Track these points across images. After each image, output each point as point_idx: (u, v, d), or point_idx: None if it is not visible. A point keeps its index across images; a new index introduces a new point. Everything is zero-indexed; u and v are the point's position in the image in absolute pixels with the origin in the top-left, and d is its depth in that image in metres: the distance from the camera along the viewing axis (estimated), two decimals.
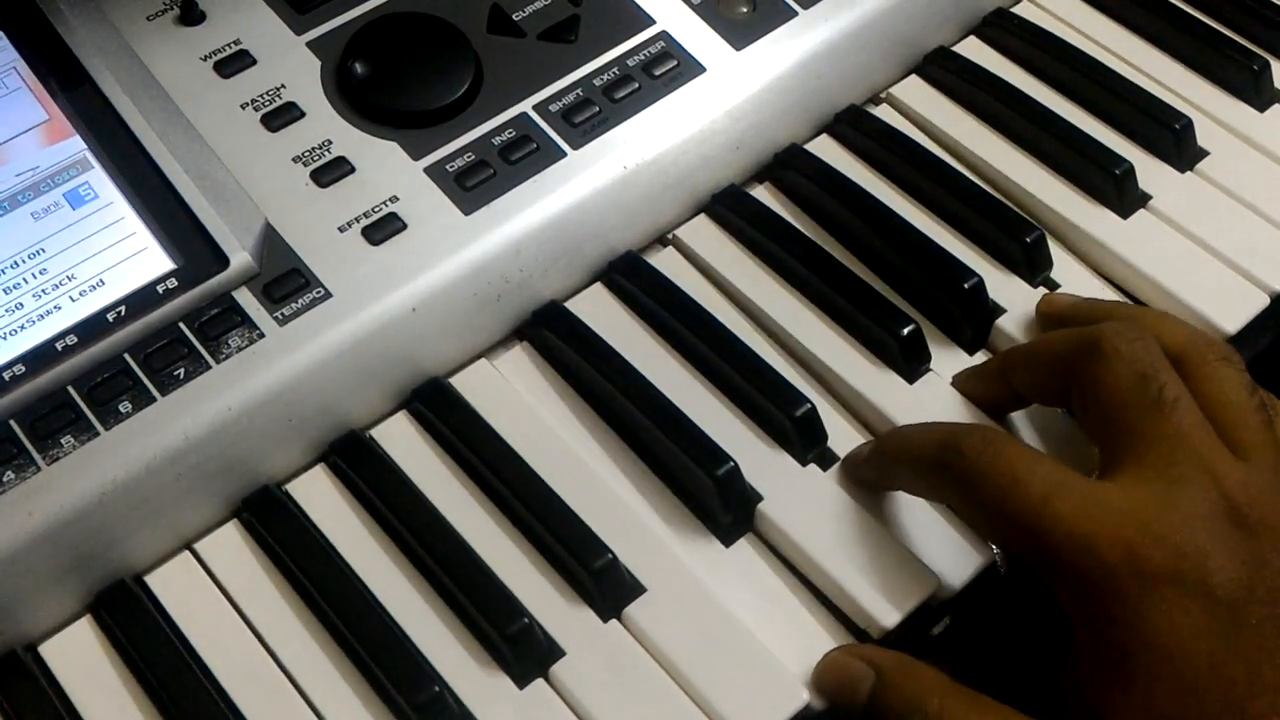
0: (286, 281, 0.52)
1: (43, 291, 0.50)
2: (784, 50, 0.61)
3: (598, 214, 0.57)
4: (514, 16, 0.60)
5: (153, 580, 0.50)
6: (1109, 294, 0.58)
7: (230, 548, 0.51)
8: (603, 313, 0.56)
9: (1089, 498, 0.43)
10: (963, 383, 0.54)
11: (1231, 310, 0.57)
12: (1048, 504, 0.43)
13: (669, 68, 0.59)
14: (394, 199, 0.54)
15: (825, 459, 0.53)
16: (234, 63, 0.57)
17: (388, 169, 0.55)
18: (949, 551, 0.50)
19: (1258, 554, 0.42)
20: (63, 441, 0.48)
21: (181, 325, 0.51)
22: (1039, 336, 0.52)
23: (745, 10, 0.62)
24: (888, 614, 0.48)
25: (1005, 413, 0.53)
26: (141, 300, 0.51)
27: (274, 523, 0.50)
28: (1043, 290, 0.57)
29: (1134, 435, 0.45)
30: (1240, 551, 0.42)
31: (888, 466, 0.50)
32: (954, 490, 0.47)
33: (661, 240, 0.59)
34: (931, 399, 0.54)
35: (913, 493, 0.50)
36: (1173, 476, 0.43)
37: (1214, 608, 0.41)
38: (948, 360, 0.55)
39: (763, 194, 0.61)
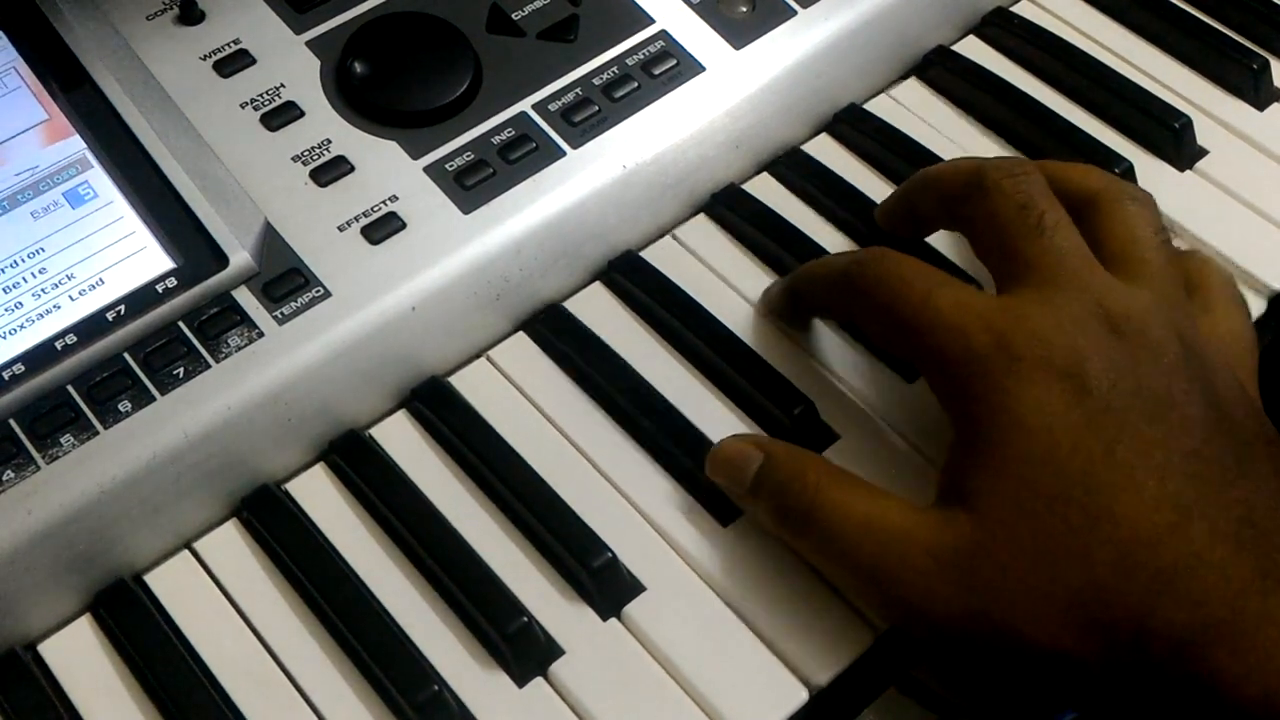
0: (286, 281, 0.52)
1: (42, 291, 0.51)
2: (783, 49, 0.61)
3: (597, 213, 0.57)
4: (513, 16, 0.60)
5: (152, 579, 0.50)
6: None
7: (230, 547, 0.51)
8: (602, 312, 0.56)
9: (967, 294, 0.47)
10: (880, 207, 0.57)
11: None
12: (929, 298, 0.47)
13: (668, 67, 0.59)
14: (393, 198, 0.55)
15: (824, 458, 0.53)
16: (233, 62, 0.57)
17: (387, 168, 0.55)
18: None
19: (1128, 356, 0.44)
20: (62, 441, 0.48)
21: (181, 324, 0.51)
22: (935, 167, 0.54)
23: (745, 9, 0.62)
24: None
25: (920, 237, 0.57)
26: (141, 299, 0.51)
27: (273, 522, 0.50)
28: None
29: (1016, 260, 0.47)
30: (1111, 351, 0.44)
31: (800, 295, 0.54)
32: (854, 302, 0.50)
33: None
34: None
35: (820, 316, 0.55)
36: (1051, 289, 0.46)
37: (1078, 392, 0.43)
38: None
39: (762, 186, 0.61)
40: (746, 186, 0.61)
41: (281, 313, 0.51)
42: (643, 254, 0.58)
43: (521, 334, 0.56)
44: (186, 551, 0.51)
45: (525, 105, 0.57)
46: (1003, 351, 0.44)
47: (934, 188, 0.53)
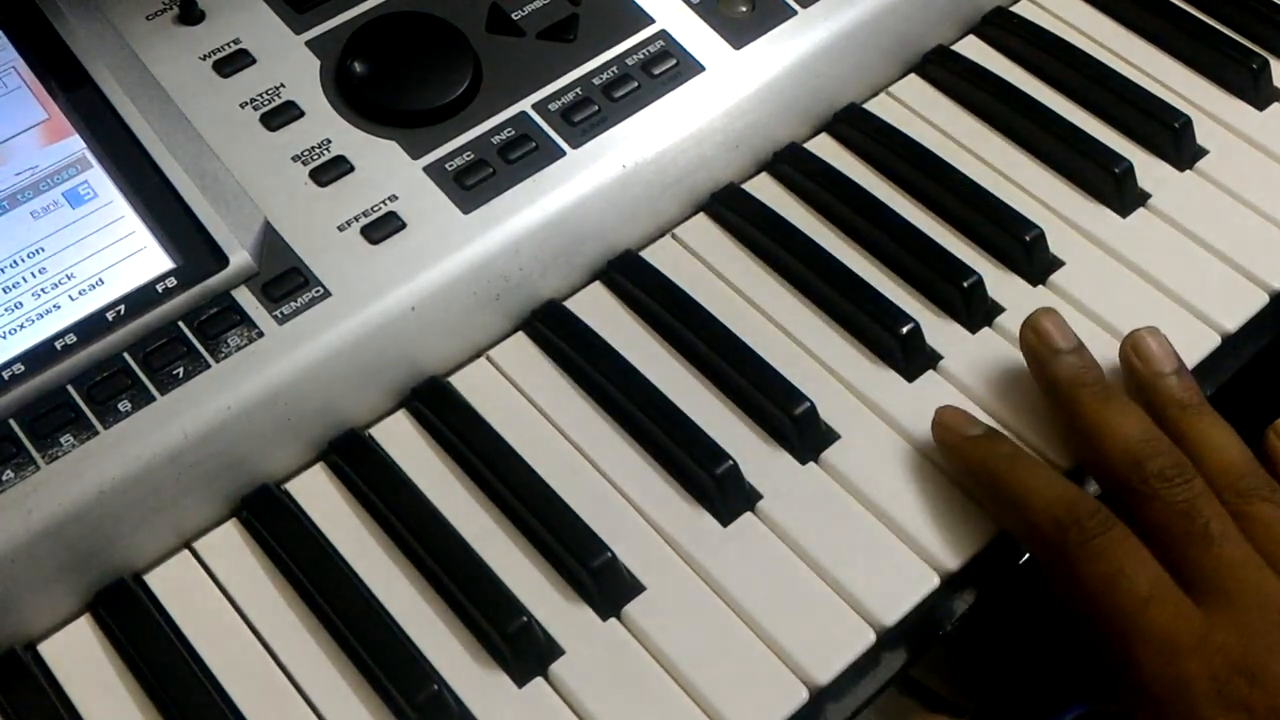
0: (286, 280, 0.52)
1: (42, 290, 0.51)
2: (783, 49, 0.61)
3: (597, 213, 0.57)
4: (513, 15, 0.60)
5: (152, 579, 0.50)
6: (1108, 293, 0.57)
7: (229, 546, 0.51)
8: (602, 312, 0.56)
9: (1182, 611, 0.46)
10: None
11: (1231, 309, 0.57)
12: (1147, 606, 0.45)
13: (668, 67, 0.59)
14: (393, 198, 0.55)
15: (823, 458, 0.53)
16: (233, 62, 0.57)
17: (387, 168, 0.55)
18: (947, 536, 0.50)
19: None
20: (62, 440, 0.48)
21: (181, 324, 0.51)
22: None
23: (745, 9, 0.62)
24: (889, 611, 0.49)
25: None
26: (141, 299, 0.51)
27: (273, 521, 0.50)
28: (1042, 290, 0.57)
29: (1188, 567, 0.47)
30: None
31: (995, 489, 0.50)
32: (1052, 555, 0.48)
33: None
34: (931, 397, 0.54)
35: (990, 508, 0.51)
36: (1236, 611, 0.45)
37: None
38: (952, 342, 0.56)
39: (761, 186, 0.61)
40: (746, 186, 0.61)
41: (281, 312, 0.51)
42: (643, 254, 0.58)
43: (521, 334, 0.56)
44: (186, 551, 0.51)
45: (525, 105, 0.57)
46: (1213, 687, 0.44)
47: (1089, 449, 0.51)
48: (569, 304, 0.57)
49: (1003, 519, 0.50)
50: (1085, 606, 0.47)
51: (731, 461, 0.51)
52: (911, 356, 0.55)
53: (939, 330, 0.56)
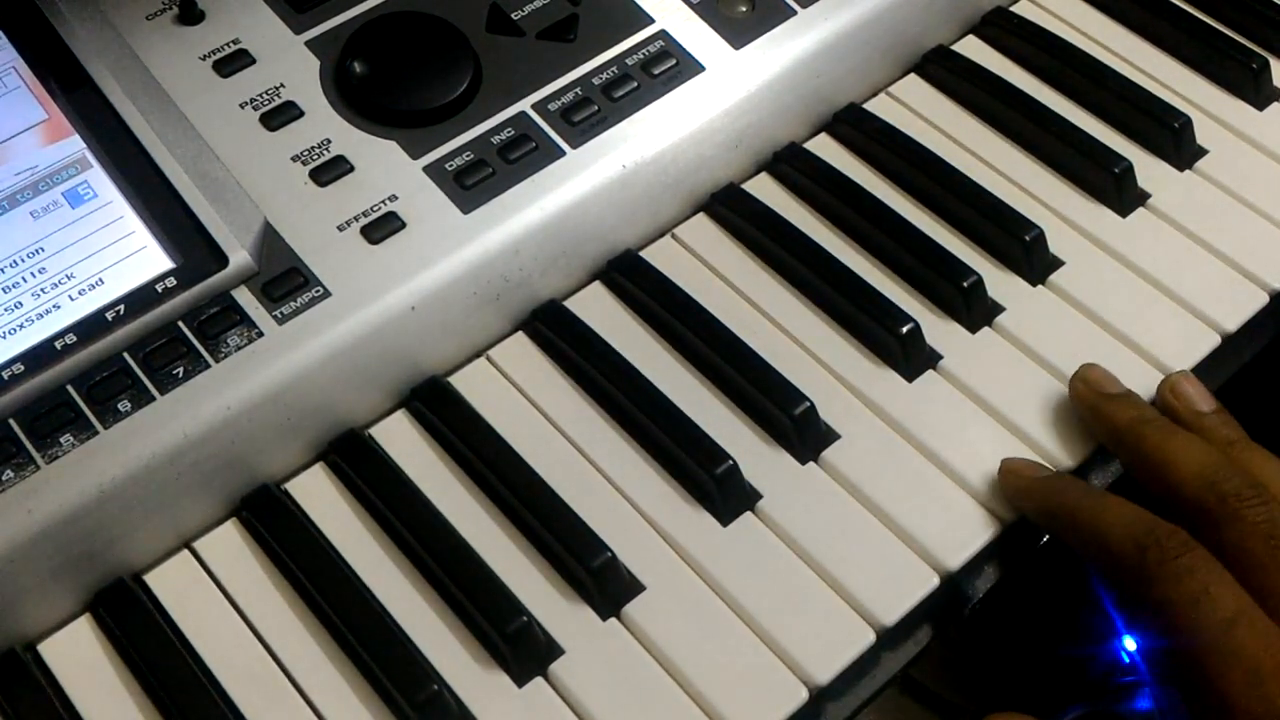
0: (285, 280, 0.52)
1: (42, 290, 0.50)
2: (783, 49, 0.61)
3: (597, 213, 0.57)
4: (513, 15, 0.60)
5: (152, 579, 0.50)
6: (1108, 293, 0.57)
7: (229, 546, 0.51)
8: (602, 312, 0.56)
9: (1269, 634, 0.44)
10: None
11: (1231, 308, 0.57)
12: (1233, 628, 0.44)
13: (668, 67, 0.59)
14: (393, 198, 0.55)
15: (823, 458, 0.53)
16: (233, 62, 0.57)
17: (387, 168, 0.55)
18: (947, 536, 0.50)
19: None
20: (62, 440, 0.48)
21: (180, 324, 0.51)
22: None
23: (744, 9, 0.62)
24: (889, 611, 0.49)
25: None
26: (140, 299, 0.51)
27: (273, 521, 0.50)
28: (1042, 289, 0.57)
29: (1274, 595, 0.45)
30: None
31: (1073, 523, 0.49)
32: (1133, 578, 0.47)
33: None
34: (931, 397, 0.54)
35: (1068, 541, 0.50)
36: None
37: None
38: (952, 342, 0.56)
39: (761, 186, 0.61)
40: (746, 186, 0.61)
41: (281, 312, 0.51)
42: (642, 254, 0.58)
43: (521, 334, 0.56)
44: (186, 551, 0.51)
45: (525, 105, 0.57)
46: None
47: (1159, 482, 0.50)
48: (569, 304, 0.57)
49: (1083, 552, 0.49)
50: (1168, 630, 0.46)
51: (731, 461, 0.51)
52: (911, 356, 0.55)
53: (939, 330, 0.56)
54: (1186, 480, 0.48)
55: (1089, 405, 0.53)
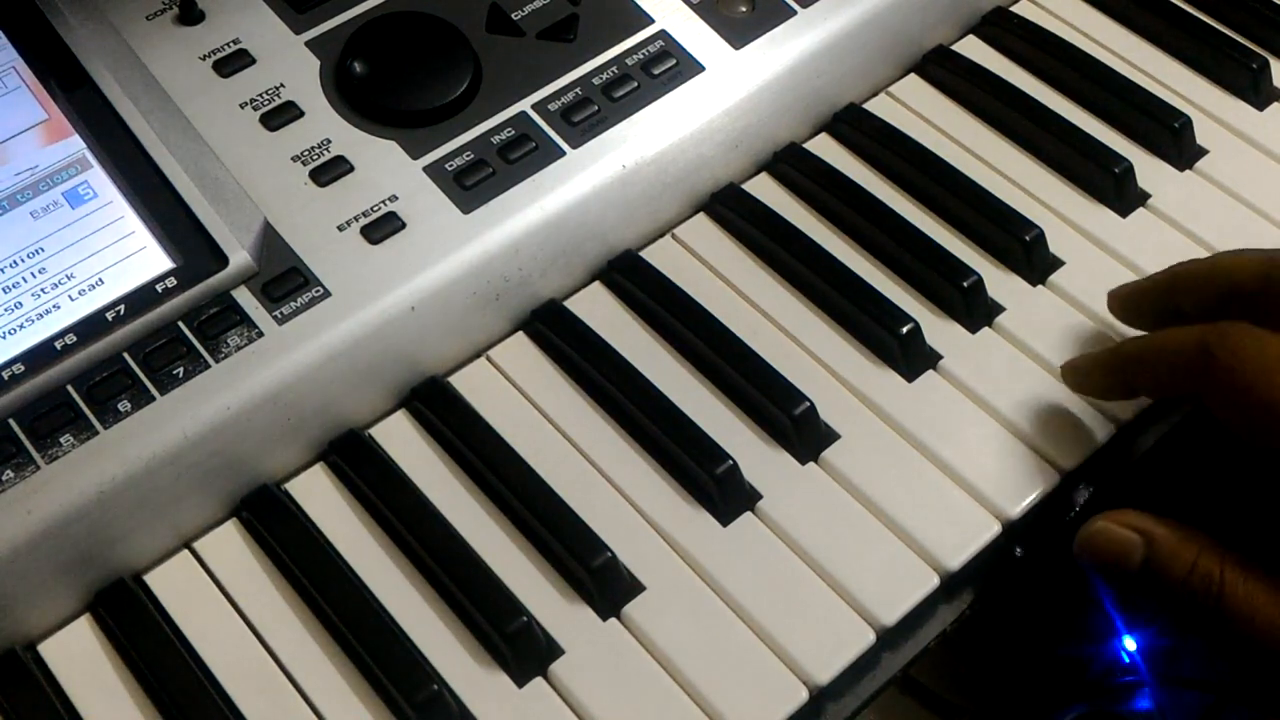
0: (285, 280, 0.52)
1: (42, 290, 0.51)
2: (783, 49, 0.61)
3: (597, 213, 0.57)
4: (513, 15, 0.60)
5: (152, 579, 0.50)
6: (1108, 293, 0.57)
7: (229, 547, 0.51)
8: (602, 312, 0.56)
9: None
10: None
11: None
12: None
13: (668, 67, 0.59)
14: (393, 198, 0.55)
15: (824, 458, 0.53)
16: (233, 62, 0.57)
17: (387, 168, 0.55)
18: (947, 536, 0.50)
19: None
20: (62, 440, 0.48)
21: (180, 324, 0.51)
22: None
23: (744, 9, 0.62)
24: (889, 611, 0.49)
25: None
26: (140, 299, 0.51)
27: (273, 522, 0.50)
28: (1042, 289, 0.58)
29: None
30: None
31: (1132, 368, 0.50)
32: (1208, 382, 0.46)
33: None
34: (931, 397, 0.54)
35: (1153, 394, 0.51)
36: None
37: None
38: (952, 342, 0.56)
39: (761, 186, 0.61)
40: (746, 186, 0.61)
41: (281, 312, 0.51)
42: (642, 254, 0.58)
43: (521, 334, 0.56)
44: (186, 551, 0.51)
45: (525, 105, 0.58)
46: None
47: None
48: (569, 304, 0.57)
49: (1154, 380, 0.50)
50: (1240, 391, 0.45)
51: (731, 461, 0.51)
52: (911, 356, 0.55)
53: (939, 330, 0.56)
54: (1249, 275, 0.49)
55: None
